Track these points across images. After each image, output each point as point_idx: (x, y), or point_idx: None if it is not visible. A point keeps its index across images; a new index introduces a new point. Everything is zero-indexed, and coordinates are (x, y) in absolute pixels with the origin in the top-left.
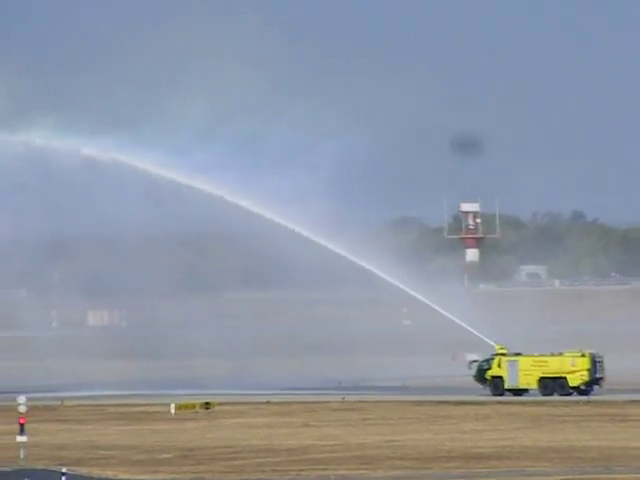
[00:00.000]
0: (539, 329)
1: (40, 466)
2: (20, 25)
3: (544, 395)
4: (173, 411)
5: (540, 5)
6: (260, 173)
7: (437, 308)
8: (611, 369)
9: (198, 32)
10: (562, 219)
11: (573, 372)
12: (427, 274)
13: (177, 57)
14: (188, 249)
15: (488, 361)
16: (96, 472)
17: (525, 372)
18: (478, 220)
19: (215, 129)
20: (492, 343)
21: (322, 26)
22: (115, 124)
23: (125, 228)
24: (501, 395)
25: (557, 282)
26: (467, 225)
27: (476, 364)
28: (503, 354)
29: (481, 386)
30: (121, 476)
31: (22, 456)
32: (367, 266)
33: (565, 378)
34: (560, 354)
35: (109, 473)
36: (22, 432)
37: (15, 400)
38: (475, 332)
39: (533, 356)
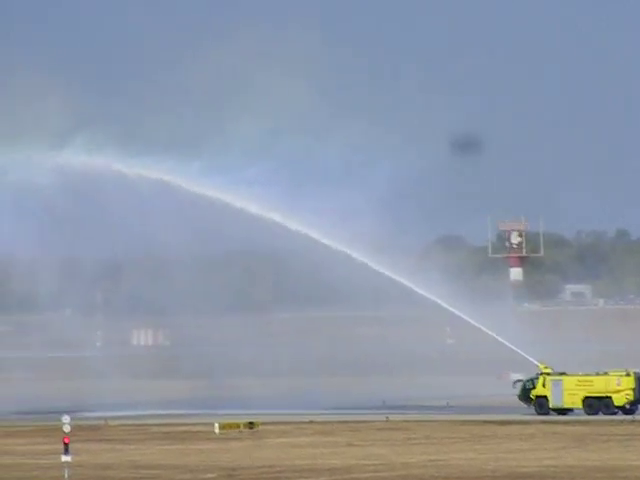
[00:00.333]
0: (584, 348)
1: None
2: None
3: (589, 414)
4: (217, 431)
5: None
6: (307, 192)
7: (481, 327)
8: None
9: (250, 49)
10: (606, 237)
11: (618, 391)
12: (471, 293)
13: (228, 74)
14: (234, 268)
15: (532, 380)
16: None
17: (570, 391)
18: (522, 239)
19: (266, 147)
20: (536, 362)
21: (378, 44)
22: (162, 143)
23: (170, 247)
24: (546, 414)
25: (602, 301)
26: (511, 244)
27: (520, 383)
28: (548, 373)
29: (525, 405)
30: None
31: (66, 476)
32: (411, 285)
33: (610, 397)
34: (605, 373)
35: None
36: (66, 452)
37: (60, 420)
38: (519, 351)
39: (578, 375)
